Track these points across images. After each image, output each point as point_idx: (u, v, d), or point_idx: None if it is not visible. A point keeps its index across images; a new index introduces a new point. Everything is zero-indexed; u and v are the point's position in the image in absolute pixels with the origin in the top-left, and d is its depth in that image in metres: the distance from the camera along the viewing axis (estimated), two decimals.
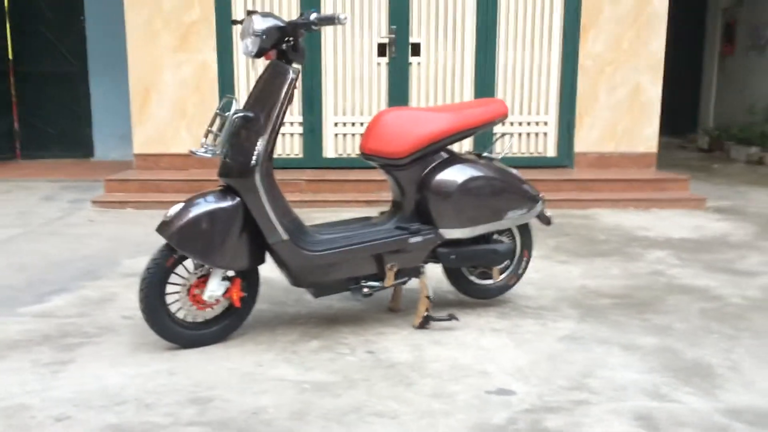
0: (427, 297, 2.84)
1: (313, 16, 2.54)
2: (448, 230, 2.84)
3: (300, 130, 6.64)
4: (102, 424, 2.05)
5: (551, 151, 6.74)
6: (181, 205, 2.55)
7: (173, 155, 6.61)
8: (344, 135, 6.69)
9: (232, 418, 2.10)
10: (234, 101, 2.64)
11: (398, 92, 6.62)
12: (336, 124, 6.67)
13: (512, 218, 2.97)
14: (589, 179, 6.16)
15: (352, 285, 2.76)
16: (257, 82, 2.71)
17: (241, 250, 2.56)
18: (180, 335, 2.59)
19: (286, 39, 2.58)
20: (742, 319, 3.04)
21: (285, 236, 2.57)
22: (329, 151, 6.69)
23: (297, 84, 2.66)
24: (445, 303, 3.14)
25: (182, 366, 2.47)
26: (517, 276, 3.16)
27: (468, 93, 6.63)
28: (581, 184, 6.14)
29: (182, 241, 2.48)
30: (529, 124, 6.69)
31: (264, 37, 2.53)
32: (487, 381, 2.38)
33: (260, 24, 2.54)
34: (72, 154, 8.35)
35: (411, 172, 2.84)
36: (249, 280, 2.69)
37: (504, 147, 3.09)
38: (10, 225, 4.93)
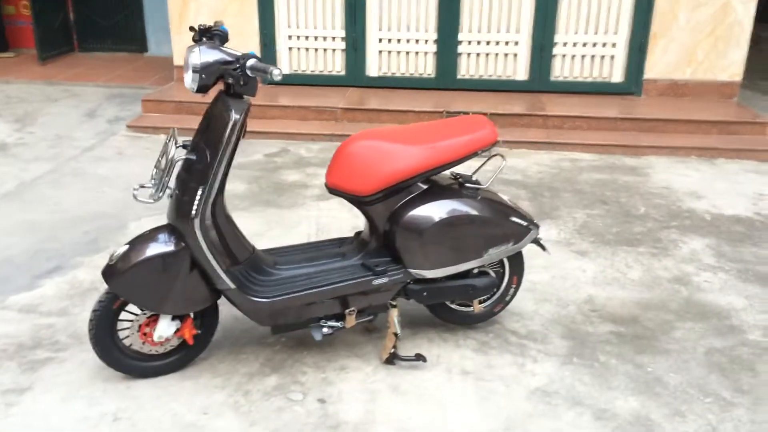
0: (395, 334, 2.68)
1: (250, 63, 2.22)
2: (418, 270, 2.61)
3: (342, 45, 6.24)
4: None
5: (618, 76, 6.10)
6: (126, 247, 2.43)
7: None
8: (389, 52, 6.26)
9: None
10: (173, 135, 2.41)
11: (449, 7, 6.01)
12: (380, 40, 6.21)
13: (494, 254, 2.68)
14: (651, 119, 5.55)
15: (312, 324, 2.62)
16: (206, 112, 2.45)
17: (190, 294, 2.45)
18: (134, 367, 2.57)
19: (235, 69, 2.28)
20: (749, 372, 2.72)
21: (231, 285, 2.43)
22: (372, 69, 6.30)
23: (246, 118, 2.39)
24: (428, 323, 2.96)
25: (131, 406, 2.47)
26: (503, 303, 2.92)
27: (527, 10, 5.96)
28: (640, 124, 5.56)
29: (126, 289, 2.39)
30: (594, 45, 6.03)
31: (203, 75, 2.25)
32: None
33: (197, 59, 2.25)
34: (127, 47, 8.28)
35: (381, 206, 2.58)
36: (205, 315, 2.60)
37: (495, 170, 2.72)
38: (42, 157, 5.00)
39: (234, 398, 2.54)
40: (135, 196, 2.35)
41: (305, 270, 2.61)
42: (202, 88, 2.29)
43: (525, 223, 2.71)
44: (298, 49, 6.32)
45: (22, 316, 3.01)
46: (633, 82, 6.06)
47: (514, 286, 2.90)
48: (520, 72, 6.18)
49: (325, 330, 2.62)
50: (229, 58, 2.26)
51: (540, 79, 6.16)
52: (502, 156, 2.77)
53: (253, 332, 2.90)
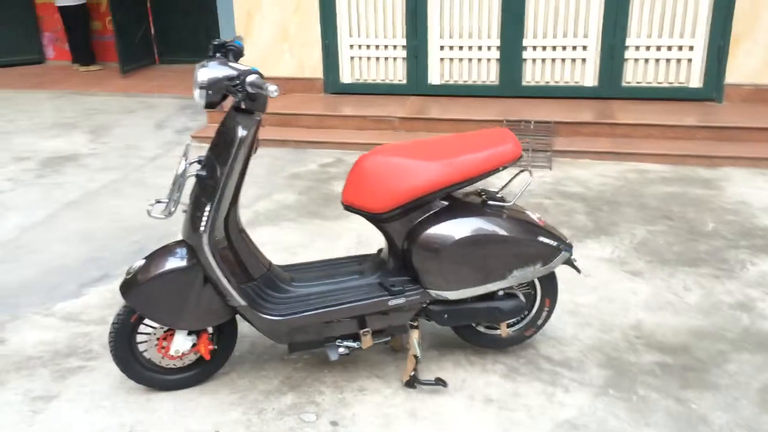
0: (415, 356, 2.58)
1: (249, 79, 2.18)
2: (437, 291, 2.50)
3: (403, 53, 6.18)
4: None
5: (696, 81, 5.73)
6: (142, 261, 2.45)
7: (278, 78, 6.49)
8: (450, 59, 6.14)
9: None
10: (190, 148, 2.42)
11: (512, 12, 5.84)
12: (442, 48, 6.11)
13: (520, 276, 2.53)
14: (731, 127, 5.17)
15: (328, 343, 2.56)
16: (218, 128, 2.44)
17: (204, 310, 2.44)
18: (154, 380, 2.59)
19: (235, 86, 2.25)
20: None
21: (242, 302, 2.40)
22: (434, 77, 6.20)
23: (257, 133, 2.36)
24: (456, 345, 2.84)
25: (148, 420, 2.48)
26: (535, 327, 2.76)
27: (595, 12, 5.69)
28: (719, 133, 5.19)
29: (141, 304, 2.41)
30: (669, 48, 5.68)
31: (209, 92, 2.23)
32: None
33: (204, 75, 2.23)
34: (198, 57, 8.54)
35: (399, 224, 2.49)
36: (223, 330, 2.59)
37: (522, 187, 2.58)
38: (110, 167, 5.20)
39: (248, 416, 2.51)
40: (149, 212, 2.37)
41: (321, 288, 2.55)
42: (210, 105, 2.28)
43: (555, 243, 2.54)
44: (360, 58, 6.31)
45: (63, 324, 3.11)
46: (713, 88, 5.66)
47: (546, 309, 2.73)
48: (589, 78, 5.91)
49: (341, 350, 2.55)
50: (234, 74, 2.24)
51: (610, 85, 5.87)
52: (529, 171, 2.62)
53: (276, 349, 2.87)
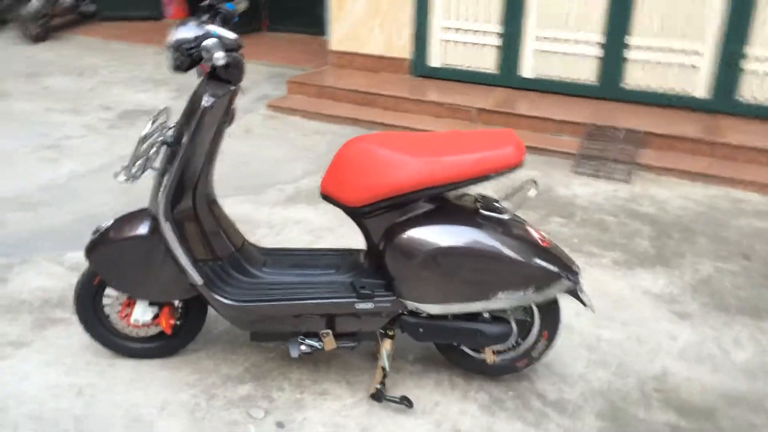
0: (383, 368, 2.33)
1: (205, 43, 1.99)
2: (411, 302, 2.23)
3: (496, 41, 5.80)
4: None
5: None
6: (110, 222, 2.36)
7: (366, 56, 6.33)
8: (546, 52, 5.68)
9: None
10: (164, 114, 2.28)
11: (620, 4, 5.29)
12: (538, 38, 5.66)
13: (508, 300, 2.21)
14: None
15: (291, 337, 2.37)
16: (192, 94, 2.29)
17: (165, 283, 2.32)
18: (118, 345, 2.52)
19: (190, 49, 2.07)
20: None
21: (198, 280, 2.25)
22: (526, 69, 5.78)
23: (229, 105, 2.18)
24: (445, 362, 2.55)
25: (100, 385, 2.42)
26: (529, 359, 2.42)
27: (716, 11, 5.04)
28: None
29: (102, 267, 2.32)
30: None
31: (176, 54, 2.07)
32: None
33: (172, 36, 2.08)
34: (310, 29, 8.52)
35: (377, 221, 2.24)
36: (190, 306, 2.46)
37: (521, 197, 2.24)
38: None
39: (197, 400, 2.37)
40: (115, 175, 2.26)
41: (290, 278, 2.36)
42: (178, 68, 2.11)
43: (555, 269, 2.19)
44: (451, 41, 5.99)
45: (67, 273, 3.12)
46: None
47: (544, 340, 2.39)
48: (700, 88, 5.27)
49: (303, 347, 2.35)
50: (190, 37, 2.06)
51: (724, 99, 5.19)
52: (534, 182, 2.27)
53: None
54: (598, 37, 5.45)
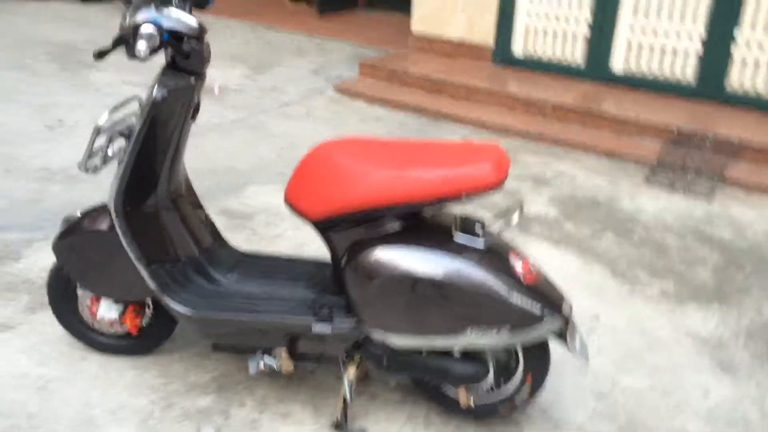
0: (344, 398, 2.11)
1: (142, 29, 1.81)
2: (373, 329, 1.99)
3: (585, 30, 5.31)
4: None
5: None
6: (77, 214, 2.27)
7: (446, 41, 6.02)
8: (640, 44, 5.13)
9: None
10: (134, 103, 2.14)
11: None
12: (632, 28, 5.12)
13: (480, 339, 1.91)
14: None
15: (251, 353, 2.19)
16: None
17: (121, 282, 2.20)
18: (94, 340, 2.44)
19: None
20: None
21: (151, 285, 2.11)
22: (617, 63, 5.27)
23: (190, 98, 2.01)
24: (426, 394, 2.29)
25: (66, 379, 2.35)
26: (511, 405, 2.11)
27: None
28: None
29: (64, 259, 2.24)
30: None
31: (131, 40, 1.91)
32: None
33: (125, 20, 1.91)
34: (405, 9, 8.26)
35: (341, 237, 2.00)
36: (159, 306, 2.34)
37: (505, 221, 1.93)
38: (244, 104, 5.20)
39: (153, 408, 2.25)
40: (78, 165, 2.15)
41: (254, 288, 2.18)
42: (135, 55, 1.95)
43: (534, 309, 1.87)
44: (537, 29, 5.54)
45: None
46: None
47: (528, 384, 2.07)
48: None
49: (261, 365, 2.17)
50: (126, 23, 1.89)
51: None
52: (520, 203, 1.94)
53: None
54: (701, 30, 4.84)
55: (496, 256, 1.92)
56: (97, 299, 2.35)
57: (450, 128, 4.91)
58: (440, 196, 1.82)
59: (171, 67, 2.02)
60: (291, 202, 2.03)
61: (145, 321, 2.37)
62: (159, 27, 1.88)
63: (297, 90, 5.62)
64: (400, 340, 1.97)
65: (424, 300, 1.89)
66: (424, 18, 6.10)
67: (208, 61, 2.05)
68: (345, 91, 5.52)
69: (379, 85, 5.58)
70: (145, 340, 2.41)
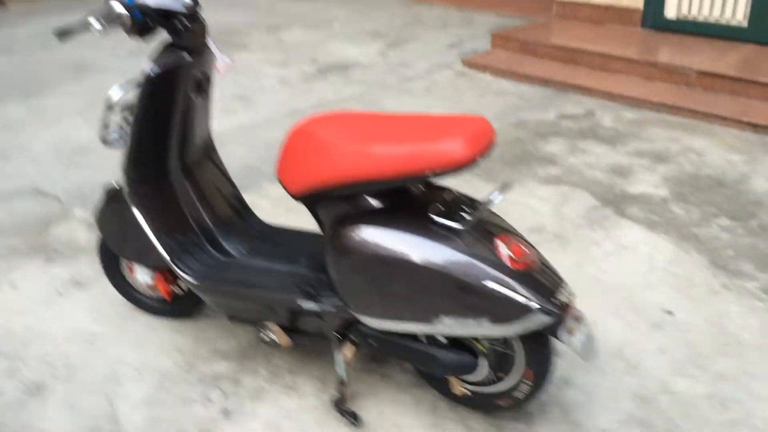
0: (340, 377, 2.03)
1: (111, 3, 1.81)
2: (353, 310, 1.87)
3: None
4: None
5: None
6: (115, 183, 2.39)
7: (592, 6, 5.55)
8: None
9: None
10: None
11: None
12: None
13: (456, 327, 1.71)
14: None
15: (260, 324, 2.18)
16: None
17: (142, 249, 2.28)
18: (140, 302, 2.58)
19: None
20: None
21: (164, 255, 2.17)
22: None
23: (187, 76, 2.01)
24: None
25: (111, 337, 2.50)
26: (511, 399, 1.88)
27: None
28: None
29: (99, 225, 2.38)
30: None
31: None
32: None
33: None
34: None
35: (326, 212, 1.90)
36: None
37: (485, 204, 1.70)
38: (366, 80, 5.18)
39: (173, 369, 2.34)
40: (99, 138, 2.25)
41: (257, 262, 2.16)
42: (130, 32, 1.98)
43: (520, 298, 1.63)
44: None
45: None
46: None
47: (527, 380, 1.83)
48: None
49: (263, 337, 2.15)
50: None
51: None
52: (506, 186, 1.70)
53: None
54: None
55: (478, 239, 1.70)
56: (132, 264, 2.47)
57: (575, 100, 4.51)
58: (402, 174, 1.65)
59: (170, 44, 2.03)
60: (279, 178, 1.97)
61: (176, 288, 2.45)
62: (132, 5, 1.88)
63: (425, 65, 5.49)
64: (375, 323, 1.84)
65: (391, 282, 1.74)
66: None
67: (203, 36, 2.03)
68: (473, 64, 5.30)
69: (510, 57, 5.28)
70: (178, 305, 2.49)
